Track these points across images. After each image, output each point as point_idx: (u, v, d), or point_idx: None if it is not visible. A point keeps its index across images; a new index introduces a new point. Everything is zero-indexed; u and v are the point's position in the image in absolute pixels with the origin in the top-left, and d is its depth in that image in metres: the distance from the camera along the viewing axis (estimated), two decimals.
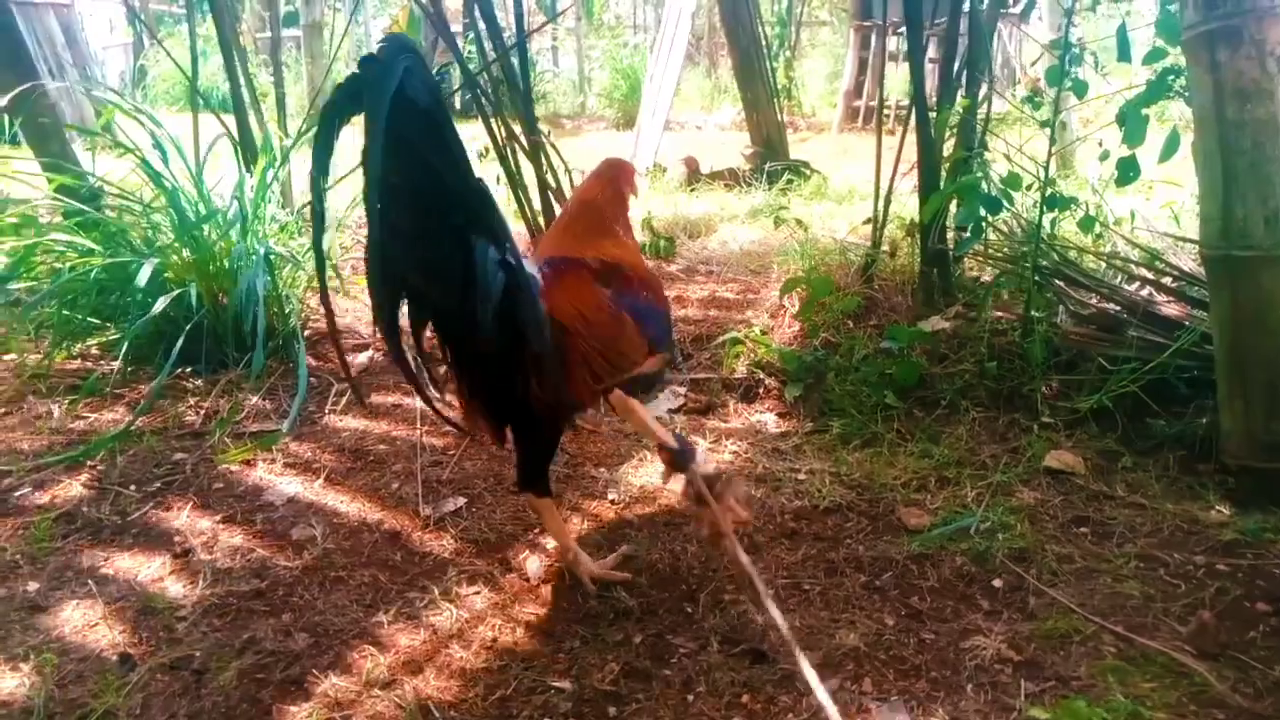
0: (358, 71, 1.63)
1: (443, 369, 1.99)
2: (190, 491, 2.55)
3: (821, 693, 1.56)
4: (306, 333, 3.64)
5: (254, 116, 4.47)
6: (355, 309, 3.93)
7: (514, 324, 1.79)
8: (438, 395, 2.09)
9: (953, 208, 3.23)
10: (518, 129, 4.20)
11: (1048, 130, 2.96)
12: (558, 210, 4.24)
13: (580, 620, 1.99)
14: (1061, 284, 3.10)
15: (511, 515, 2.40)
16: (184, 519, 2.41)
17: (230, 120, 4.13)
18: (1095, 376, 2.79)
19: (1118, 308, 2.89)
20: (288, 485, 2.55)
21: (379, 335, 1.92)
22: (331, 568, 2.17)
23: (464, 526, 2.34)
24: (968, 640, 1.91)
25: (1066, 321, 2.98)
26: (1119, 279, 3.11)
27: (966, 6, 3.17)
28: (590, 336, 1.94)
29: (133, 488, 2.57)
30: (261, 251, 3.34)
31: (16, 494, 2.53)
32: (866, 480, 2.56)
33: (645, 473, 2.63)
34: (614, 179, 2.22)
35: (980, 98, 3.12)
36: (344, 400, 3.09)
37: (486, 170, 3.50)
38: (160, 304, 3.12)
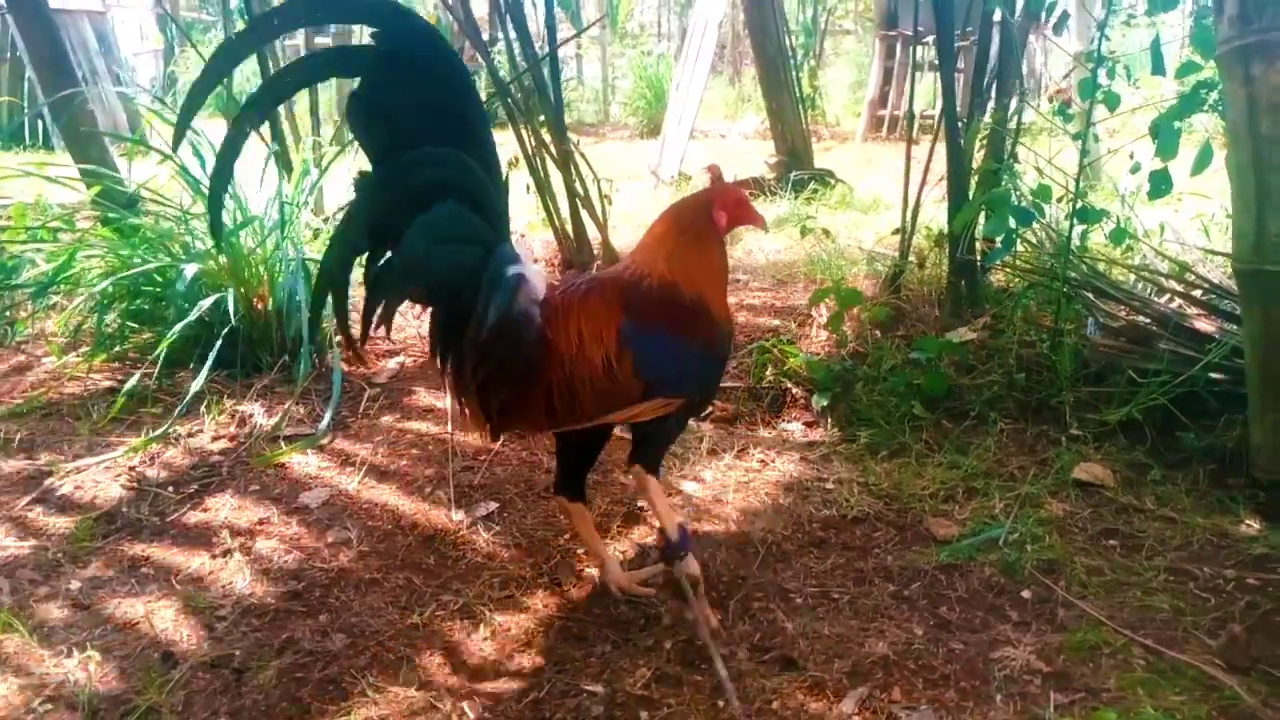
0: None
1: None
2: (227, 493, 2.60)
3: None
4: (337, 338, 3.69)
5: (288, 124, 4.55)
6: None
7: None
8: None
9: (980, 218, 3.24)
10: (547, 138, 4.25)
11: (1079, 142, 2.97)
12: (585, 218, 4.29)
13: (612, 625, 2.01)
14: (1091, 296, 3.10)
15: (543, 520, 2.43)
16: (221, 520, 2.45)
17: (264, 127, 4.19)
18: (1124, 389, 2.79)
19: (1148, 320, 2.89)
20: (322, 488, 2.59)
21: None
22: (367, 570, 2.21)
23: (496, 531, 2.37)
24: (997, 651, 1.92)
25: (1096, 334, 2.98)
26: (1149, 291, 3.11)
27: (997, 17, 3.18)
28: (570, 363, 1.89)
29: (171, 489, 2.62)
30: (299, 258, 3.39)
31: (58, 494, 2.59)
32: (894, 490, 2.57)
33: (671, 481, 2.65)
34: (708, 201, 2.04)
35: (1010, 110, 3.13)
36: (377, 405, 3.13)
37: (515, 178, 3.53)
38: (198, 309, 3.17)
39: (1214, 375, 2.68)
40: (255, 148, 4.10)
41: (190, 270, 3.23)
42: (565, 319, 1.92)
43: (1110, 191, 4.51)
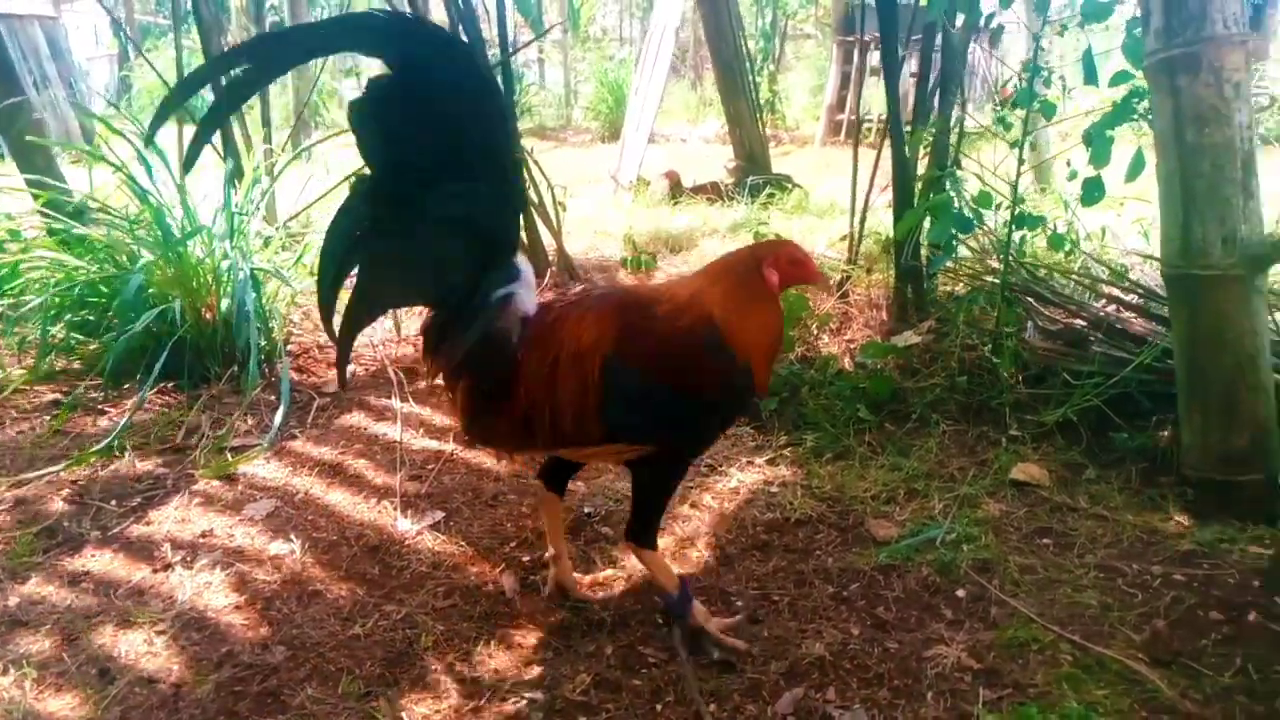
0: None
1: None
2: (171, 506, 2.58)
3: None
4: (290, 347, 3.68)
5: (239, 131, 4.52)
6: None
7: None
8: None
9: (927, 224, 3.31)
10: None
11: (1016, 150, 3.04)
12: (540, 227, 4.30)
13: (554, 632, 2.03)
14: (1031, 300, 3.17)
15: (489, 529, 2.44)
16: (164, 533, 2.44)
17: (214, 137, 4.17)
18: (1061, 391, 2.86)
19: (1084, 324, 2.96)
20: (268, 500, 2.59)
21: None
22: (310, 581, 2.21)
23: (442, 540, 2.38)
24: (930, 649, 1.96)
25: (1035, 337, 3.05)
26: (1087, 295, 3.19)
27: (940, 27, 3.25)
28: (535, 391, 1.85)
29: (114, 502, 2.60)
30: (248, 268, 3.38)
31: None
32: (837, 493, 2.61)
33: (623, 487, 2.67)
34: (758, 259, 1.89)
35: (953, 118, 3.19)
36: (326, 414, 3.12)
37: None
38: (145, 319, 3.15)
39: (1146, 376, 2.75)
40: (206, 156, 4.09)
41: (136, 281, 3.20)
42: (550, 339, 1.86)
43: (1056, 196, 4.61)
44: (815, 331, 3.40)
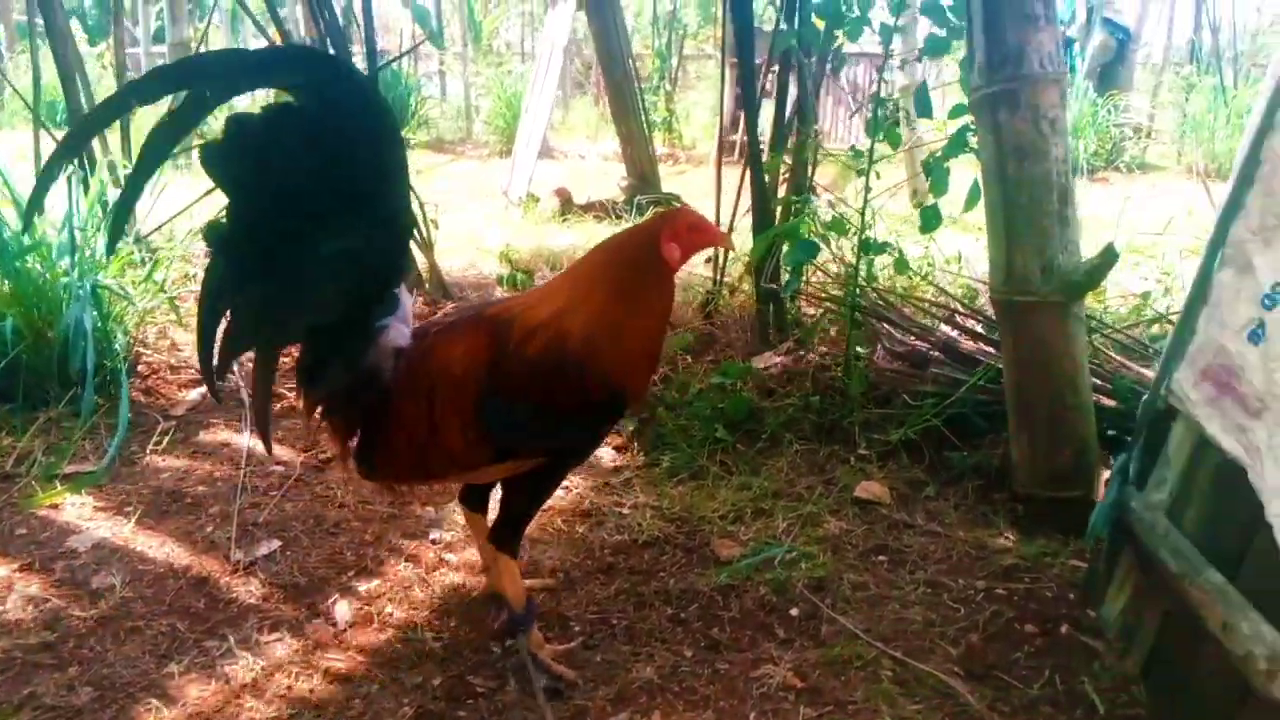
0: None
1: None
2: None
3: None
4: (140, 368, 3.53)
5: (97, 140, 4.34)
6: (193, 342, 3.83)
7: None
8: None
9: (786, 248, 3.38)
10: None
11: (887, 174, 3.13)
12: (413, 248, 4.23)
13: (382, 664, 1.99)
14: (881, 323, 3.27)
15: (327, 558, 2.38)
16: None
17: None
18: (904, 411, 2.96)
19: (927, 346, 3.07)
20: (95, 530, 2.47)
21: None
22: (129, 617, 2.12)
23: (275, 571, 2.31)
24: (758, 669, 2.00)
25: (882, 358, 3.15)
26: (932, 319, 3.31)
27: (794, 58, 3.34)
28: (415, 422, 1.81)
29: None
30: (88, 285, 3.23)
31: None
32: (686, 513, 2.64)
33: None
34: (655, 233, 1.78)
35: (805, 145, 3.28)
36: (167, 439, 3.00)
37: None
38: None
39: (982, 397, 2.87)
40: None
41: None
42: (423, 373, 1.81)
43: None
44: (676, 351, 3.43)
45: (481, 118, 14.51)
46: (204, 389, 3.42)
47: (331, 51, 3.93)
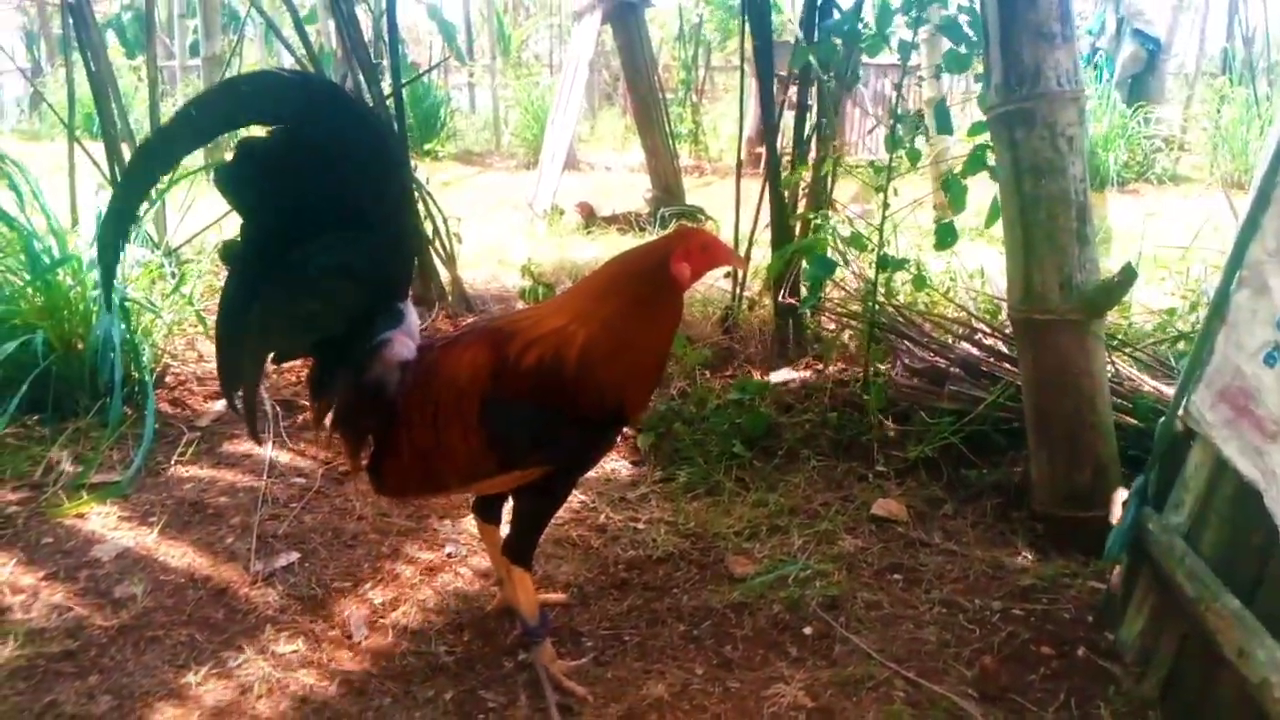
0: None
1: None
2: (17, 547, 2.49)
3: None
4: (168, 379, 3.60)
5: (126, 149, 4.42)
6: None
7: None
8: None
9: (804, 263, 3.38)
10: None
11: (909, 187, 3.13)
12: (436, 262, 4.29)
13: (395, 677, 2.01)
14: (901, 339, 3.26)
15: (344, 570, 2.41)
16: (5, 576, 2.35)
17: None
18: (923, 428, 2.94)
19: (946, 362, 3.06)
20: (119, 540, 2.52)
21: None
22: (149, 626, 2.15)
23: (293, 582, 2.34)
24: (769, 688, 1.99)
25: (901, 375, 3.14)
26: (951, 335, 3.29)
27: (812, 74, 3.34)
28: (421, 435, 1.83)
29: None
30: (117, 298, 3.30)
31: None
32: (701, 529, 2.64)
33: None
34: (666, 253, 1.79)
35: (824, 162, 3.28)
36: (191, 450, 3.05)
37: None
38: (4, 350, 3.05)
39: (1002, 415, 2.85)
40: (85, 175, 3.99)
41: None
42: (428, 385, 1.84)
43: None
44: (695, 367, 3.44)
45: (510, 130, 14.64)
46: (224, 402, 3.48)
47: (334, 75, 3.99)
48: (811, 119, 3.37)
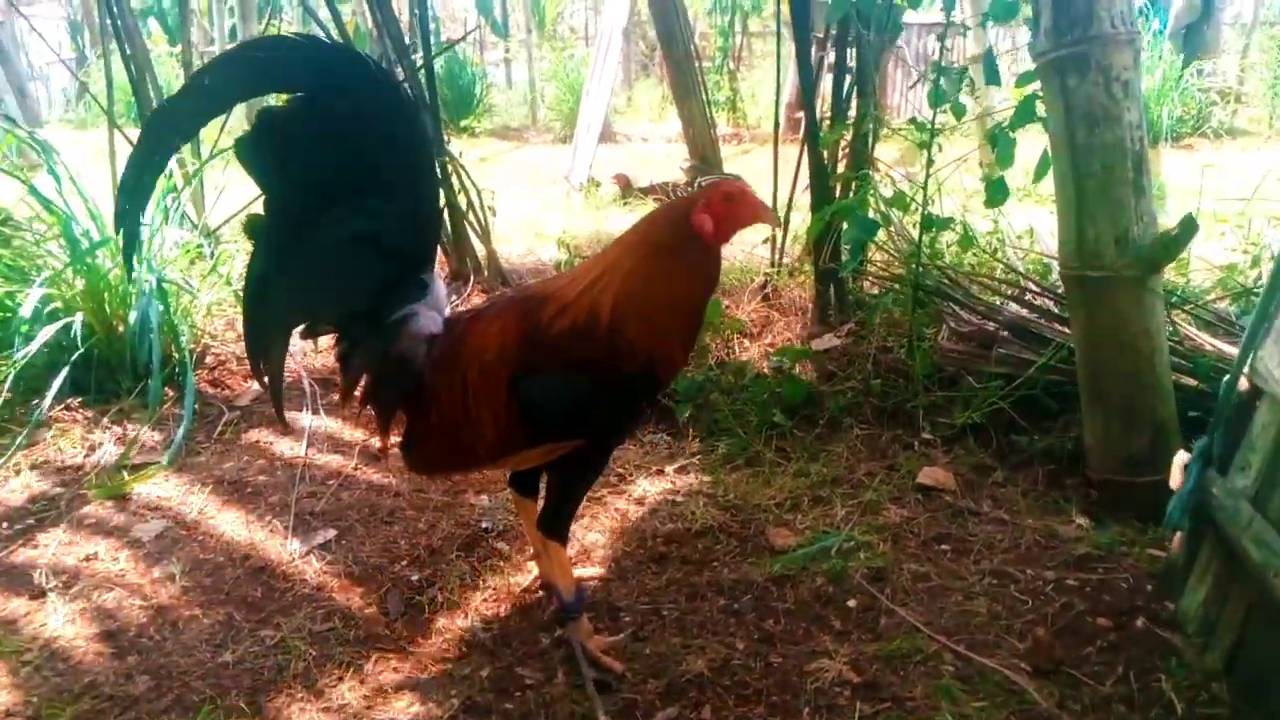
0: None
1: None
2: (61, 528, 2.51)
3: None
4: (208, 359, 3.61)
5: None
6: None
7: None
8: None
9: (845, 225, 3.28)
10: None
11: (954, 147, 3.00)
12: (471, 235, 4.25)
13: (431, 655, 1.99)
14: (946, 302, 3.15)
15: (381, 547, 2.39)
16: (49, 557, 2.37)
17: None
18: (971, 393, 2.84)
19: (995, 325, 2.94)
20: (158, 520, 2.53)
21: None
22: (188, 605, 2.15)
23: (330, 560, 2.33)
24: (813, 663, 1.93)
25: (947, 339, 3.03)
26: (996, 298, 3.17)
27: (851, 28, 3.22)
28: (451, 409, 1.80)
29: (4, 525, 2.53)
30: (154, 280, 3.31)
31: None
32: (741, 501, 2.58)
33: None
34: (688, 206, 1.72)
35: (864, 119, 3.16)
36: (231, 429, 3.06)
37: None
38: (43, 335, 3.08)
39: (1054, 378, 2.74)
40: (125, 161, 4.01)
41: (35, 295, 3.13)
42: (456, 358, 1.80)
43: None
44: (734, 335, 3.36)
45: (546, 104, 14.55)
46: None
47: (358, 46, 3.94)
48: (851, 76, 3.25)
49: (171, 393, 3.29)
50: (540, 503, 2.01)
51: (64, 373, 3.07)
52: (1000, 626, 2.03)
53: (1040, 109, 2.59)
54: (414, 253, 1.82)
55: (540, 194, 7.40)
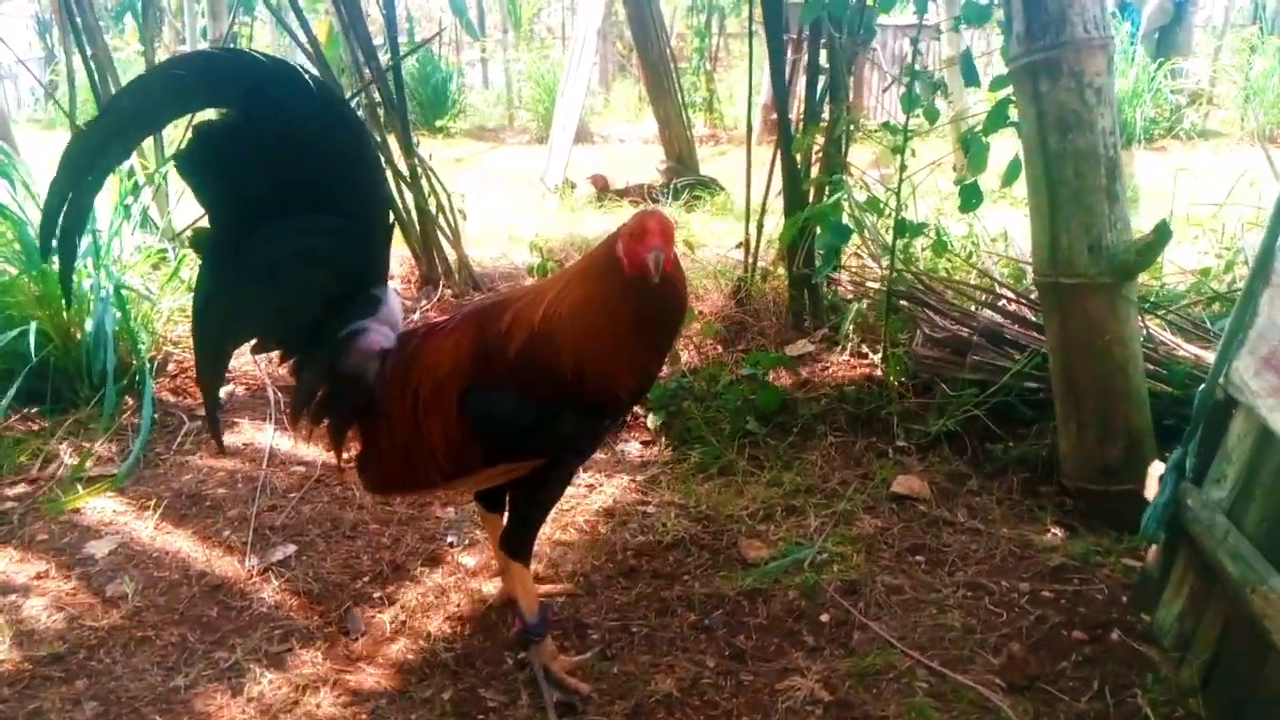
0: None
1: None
2: (12, 544, 2.43)
3: None
4: (170, 367, 3.52)
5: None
6: None
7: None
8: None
9: (819, 230, 3.24)
10: (398, 153, 4.13)
11: (929, 149, 2.97)
12: (441, 239, 4.18)
13: (392, 676, 1.93)
14: (920, 308, 3.12)
15: (343, 563, 2.33)
16: None
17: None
18: (945, 400, 2.81)
19: (969, 331, 2.91)
20: (113, 535, 2.45)
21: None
22: (140, 626, 2.08)
23: (289, 577, 2.26)
24: (784, 681, 1.89)
25: (921, 345, 3.00)
26: (972, 304, 3.14)
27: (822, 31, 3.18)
28: (402, 428, 1.75)
29: None
30: (111, 286, 3.22)
31: None
32: (713, 512, 2.53)
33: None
34: (615, 236, 1.66)
35: (838, 123, 3.13)
36: (191, 439, 2.98)
37: None
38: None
39: (1029, 385, 2.71)
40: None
41: None
42: (409, 373, 1.74)
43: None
44: (708, 342, 3.32)
45: (522, 104, 14.45)
46: (229, 387, 3.41)
47: (331, 47, 3.87)
48: (824, 80, 3.21)
49: (132, 401, 3.20)
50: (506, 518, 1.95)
51: (18, 382, 2.98)
52: (974, 641, 1.99)
53: (1013, 114, 2.56)
54: (360, 268, 1.76)
55: (515, 195, 7.32)
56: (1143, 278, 2.80)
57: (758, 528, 2.47)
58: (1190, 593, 1.92)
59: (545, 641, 1.89)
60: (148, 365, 3.21)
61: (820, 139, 3.23)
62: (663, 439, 2.98)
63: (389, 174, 4.09)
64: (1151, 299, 3.18)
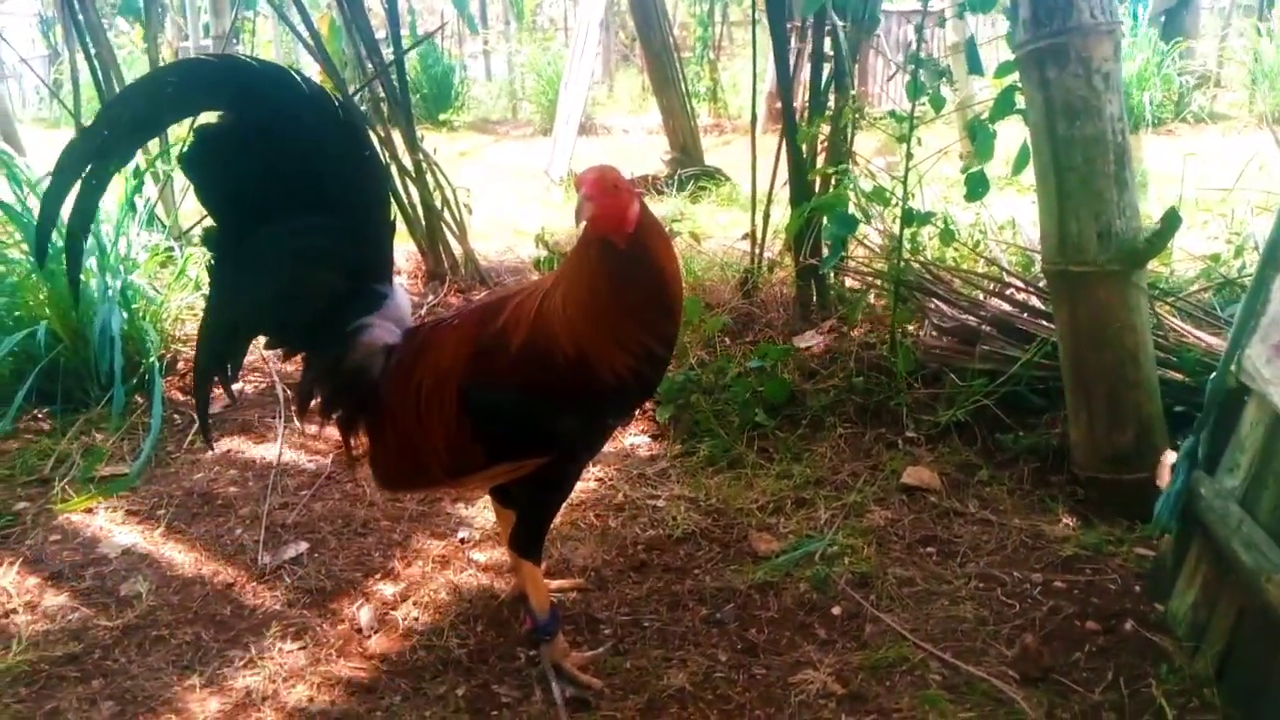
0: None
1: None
2: (25, 545, 2.44)
3: None
4: (179, 365, 3.53)
5: None
6: None
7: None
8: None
9: (825, 221, 3.23)
10: (402, 148, 4.13)
11: (935, 136, 2.95)
12: (447, 234, 4.18)
13: (405, 673, 1.93)
14: (928, 297, 3.10)
15: (355, 560, 2.33)
16: (12, 576, 2.30)
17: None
18: (955, 390, 2.80)
19: (977, 320, 2.90)
20: (126, 535, 2.46)
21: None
22: (154, 626, 2.09)
23: (301, 575, 2.27)
24: (797, 674, 1.89)
25: (930, 335, 2.99)
26: (980, 293, 3.13)
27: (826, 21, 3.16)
28: (405, 425, 1.75)
29: None
30: (118, 286, 3.23)
31: None
32: (723, 505, 2.53)
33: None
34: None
35: (843, 113, 3.11)
36: (201, 439, 2.98)
37: None
38: (9, 343, 3.00)
39: (1039, 374, 2.70)
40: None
41: None
42: (412, 368, 1.74)
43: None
44: (713, 334, 3.31)
45: (526, 96, 14.42)
46: (240, 384, 3.41)
47: (334, 41, 3.86)
48: (829, 68, 3.19)
49: (142, 400, 3.21)
50: None
51: (29, 382, 2.99)
52: (987, 632, 1.99)
53: (1020, 100, 2.55)
54: (363, 265, 1.78)
55: (520, 188, 7.31)
56: (1152, 264, 2.79)
57: (768, 520, 2.47)
58: (1204, 582, 1.91)
59: (557, 639, 1.89)
60: (157, 364, 3.21)
61: (825, 128, 3.22)
62: (671, 432, 2.98)
63: (394, 169, 4.08)
64: (1161, 285, 3.16)
